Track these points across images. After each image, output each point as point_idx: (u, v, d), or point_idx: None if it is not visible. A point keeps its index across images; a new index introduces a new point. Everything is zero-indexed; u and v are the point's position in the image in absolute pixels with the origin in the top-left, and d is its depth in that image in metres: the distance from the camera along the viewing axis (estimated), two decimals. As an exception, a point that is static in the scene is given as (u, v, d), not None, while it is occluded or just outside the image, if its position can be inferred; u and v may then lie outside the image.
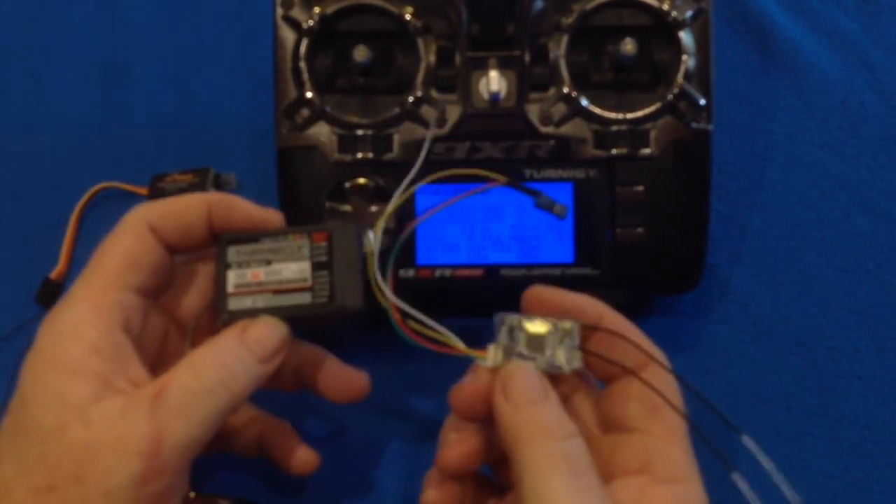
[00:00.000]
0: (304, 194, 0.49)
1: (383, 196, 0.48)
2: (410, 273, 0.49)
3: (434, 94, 0.49)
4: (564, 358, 0.39)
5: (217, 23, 0.63)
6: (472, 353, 0.39)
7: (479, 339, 0.40)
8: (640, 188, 0.49)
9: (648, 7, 0.49)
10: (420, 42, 0.49)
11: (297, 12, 0.49)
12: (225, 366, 0.38)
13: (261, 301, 0.41)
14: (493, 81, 0.47)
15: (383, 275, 0.41)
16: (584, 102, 0.48)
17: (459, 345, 0.39)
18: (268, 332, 0.40)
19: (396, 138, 0.49)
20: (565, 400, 0.39)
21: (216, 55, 0.62)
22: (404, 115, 0.48)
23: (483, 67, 0.47)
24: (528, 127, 0.48)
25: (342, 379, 0.45)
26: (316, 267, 0.41)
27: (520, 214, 0.49)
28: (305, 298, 0.41)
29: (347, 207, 0.49)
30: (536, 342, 0.39)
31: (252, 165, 0.57)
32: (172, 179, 0.55)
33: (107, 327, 0.38)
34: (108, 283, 0.39)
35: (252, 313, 0.41)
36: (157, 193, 0.55)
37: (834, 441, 0.51)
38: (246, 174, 0.58)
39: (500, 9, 0.46)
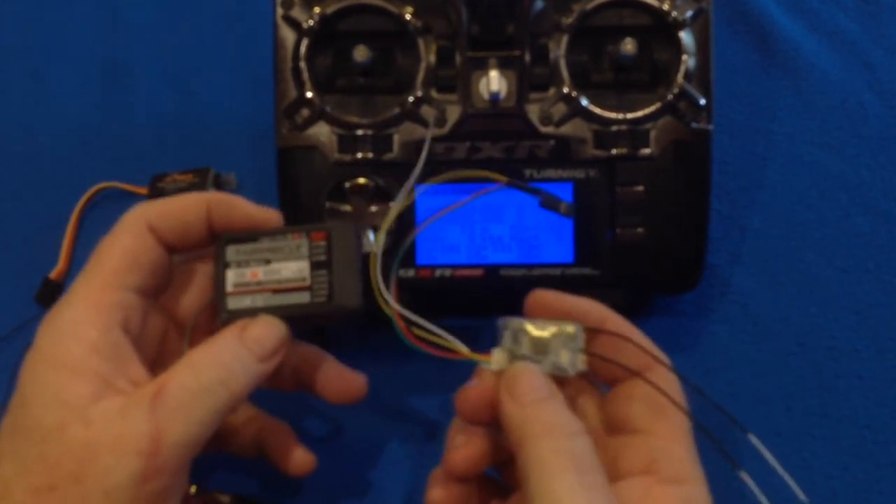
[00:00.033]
0: (304, 194, 0.49)
1: (383, 196, 0.48)
2: (410, 273, 0.49)
3: (434, 94, 0.48)
4: (569, 361, 0.39)
5: (217, 23, 0.63)
6: (477, 357, 0.39)
7: (480, 339, 0.40)
8: (640, 188, 0.49)
9: (648, 7, 0.49)
10: (420, 42, 0.49)
11: (297, 12, 0.49)
12: (224, 365, 0.38)
13: (260, 300, 0.41)
14: (493, 81, 0.47)
15: (387, 281, 0.41)
16: (584, 102, 0.48)
17: (464, 349, 0.39)
18: (267, 332, 0.40)
19: (396, 138, 0.49)
20: (570, 402, 0.39)
21: (216, 55, 0.62)
22: (404, 115, 0.48)
23: (483, 67, 0.47)
24: (528, 127, 0.48)
25: (340, 380, 0.45)
26: (315, 266, 0.41)
27: (520, 214, 0.49)
28: (304, 298, 0.41)
29: (347, 207, 0.49)
30: (541, 345, 0.39)
31: (252, 165, 0.57)
32: (172, 179, 0.55)
33: (106, 327, 0.38)
34: (107, 283, 0.39)
35: (251, 312, 0.41)
36: (156, 193, 0.55)
37: (834, 441, 0.51)
38: (246, 174, 0.58)
39: (500, 9, 0.46)
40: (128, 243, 0.40)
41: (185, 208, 0.41)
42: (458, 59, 0.48)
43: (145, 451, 0.35)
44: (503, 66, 0.47)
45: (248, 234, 0.42)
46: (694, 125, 0.49)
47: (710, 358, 0.53)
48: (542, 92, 0.49)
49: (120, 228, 0.40)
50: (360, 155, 0.49)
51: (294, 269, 0.41)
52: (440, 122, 0.48)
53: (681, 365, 0.40)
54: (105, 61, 0.62)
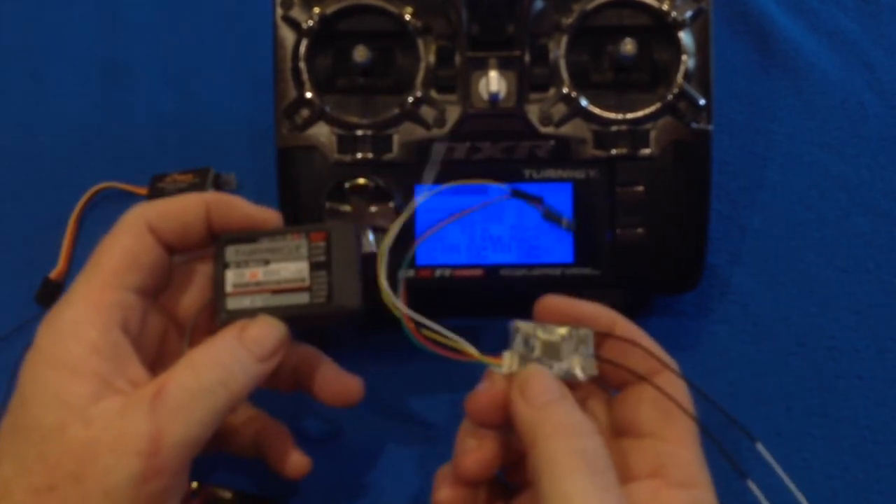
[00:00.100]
0: (304, 194, 0.49)
1: (383, 196, 0.48)
2: (410, 273, 0.49)
3: (434, 94, 0.48)
4: (580, 365, 0.39)
5: (217, 23, 0.63)
6: (488, 359, 0.39)
7: (480, 339, 0.40)
8: (640, 188, 0.49)
9: (648, 7, 0.49)
10: (420, 42, 0.49)
11: (297, 12, 0.49)
12: (223, 365, 0.38)
13: (259, 301, 0.41)
14: (493, 81, 0.47)
15: (395, 285, 0.41)
16: (584, 102, 0.48)
17: (474, 352, 0.39)
18: (266, 332, 0.40)
19: (396, 138, 0.49)
20: (579, 405, 0.39)
21: (216, 55, 0.62)
22: (404, 116, 0.48)
23: (483, 67, 0.47)
24: (528, 127, 0.48)
25: (337, 383, 0.45)
26: (314, 267, 0.41)
27: (520, 215, 0.49)
28: (304, 298, 0.41)
29: (347, 207, 0.49)
30: (552, 350, 0.39)
31: (252, 165, 0.57)
32: (172, 179, 0.55)
33: (106, 327, 0.38)
34: (106, 283, 0.39)
35: (250, 313, 0.41)
36: (156, 193, 0.55)
37: (834, 441, 0.51)
38: (246, 174, 0.58)
39: (500, 9, 0.46)
40: (127, 243, 0.40)
41: (184, 208, 0.41)
42: (457, 59, 0.48)
43: (145, 452, 0.35)
44: (503, 66, 0.47)
45: (248, 235, 0.42)
46: (694, 125, 0.49)
47: (710, 358, 0.53)
48: (541, 92, 0.49)
49: (120, 228, 0.40)
50: (359, 155, 0.49)
51: (293, 269, 0.41)
52: (440, 122, 0.48)
53: (681, 365, 0.40)
54: (105, 61, 0.62)
